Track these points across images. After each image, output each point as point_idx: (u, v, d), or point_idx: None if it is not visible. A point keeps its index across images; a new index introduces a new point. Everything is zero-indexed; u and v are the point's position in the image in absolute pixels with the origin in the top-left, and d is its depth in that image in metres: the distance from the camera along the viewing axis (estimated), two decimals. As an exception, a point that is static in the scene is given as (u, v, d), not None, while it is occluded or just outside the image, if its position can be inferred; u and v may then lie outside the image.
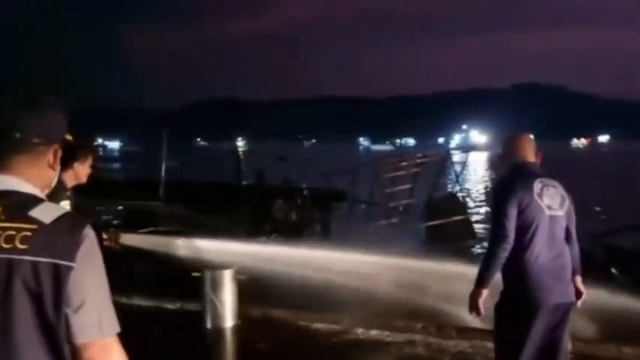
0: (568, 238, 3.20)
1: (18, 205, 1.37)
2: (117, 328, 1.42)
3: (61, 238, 1.35)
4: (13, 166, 1.42)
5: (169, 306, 6.16)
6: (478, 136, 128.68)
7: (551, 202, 3.13)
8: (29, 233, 1.32)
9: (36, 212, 1.36)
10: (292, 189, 15.42)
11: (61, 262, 1.33)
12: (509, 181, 3.21)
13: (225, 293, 5.53)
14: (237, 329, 5.54)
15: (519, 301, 3.10)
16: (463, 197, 16.72)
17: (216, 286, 5.51)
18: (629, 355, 4.73)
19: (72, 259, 1.34)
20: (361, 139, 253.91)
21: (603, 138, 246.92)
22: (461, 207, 14.49)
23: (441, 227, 10.98)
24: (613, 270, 7.08)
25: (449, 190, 16.80)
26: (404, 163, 15.01)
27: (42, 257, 1.31)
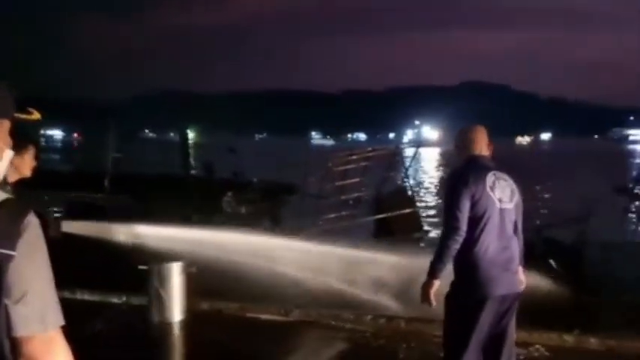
0: (515, 230, 3.28)
1: None
2: (61, 322, 1.36)
3: (1, 225, 1.28)
4: None
5: (115, 300, 6.02)
6: (430, 131, 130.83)
7: (502, 195, 3.19)
8: None
9: None
10: (242, 182, 15.31)
11: (1, 250, 1.26)
12: (463, 173, 3.25)
13: (173, 287, 5.44)
14: (185, 323, 5.47)
15: (468, 292, 3.17)
16: (412, 191, 16.96)
17: (164, 279, 5.41)
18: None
19: (13, 247, 1.28)
20: (313, 133, 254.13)
21: (545, 135, 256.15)
22: (409, 200, 14.77)
23: (389, 220, 11.18)
24: (551, 261, 7.41)
25: (398, 184, 17.04)
26: (354, 157, 15.15)
27: None
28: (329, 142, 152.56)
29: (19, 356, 1.31)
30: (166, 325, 5.39)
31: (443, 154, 64.79)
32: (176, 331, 5.38)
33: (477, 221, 3.13)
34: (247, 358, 4.82)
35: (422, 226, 12.55)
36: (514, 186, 3.29)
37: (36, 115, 1.56)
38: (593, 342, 4.87)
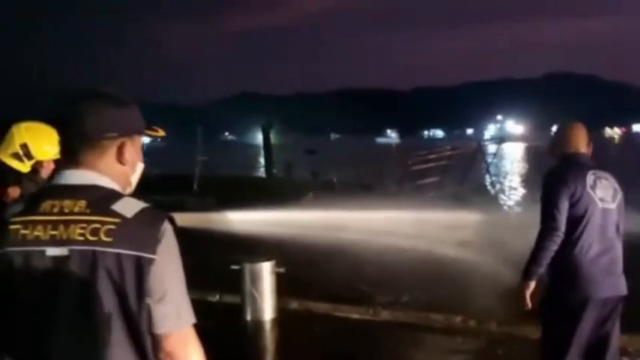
0: (617, 231, 3.14)
1: (100, 199, 1.42)
2: (193, 319, 1.48)
3: (143, 231, 1.40)
4: (87, 161, 1.46)
5: (210, 298, 6.29)
6: (514, 126, 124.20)
7: (604, 194, 3.08)
8: (113, 227, 1.38)
9: (118, 206, 1.41)
10: (322, 181, 15.55)
11: (144, 254, 1.39)
12: (561, 172, 3.14)
13: (264, 286, 5.62)
14: (276, 322, 5.63)
15: (567, 294, 3.06)
16: (494, 188, 16.58)
17: (255, 279, 5.60)
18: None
19: (153, 251, 1.40)
20: (388, 131, 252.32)
21: (638, 127, 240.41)
22: (490, 199, 14.44)
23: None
24: None
25: (480, 181, 16.69)
26: (433, 156, 15.00)
27: (125, 250, 1.37)
28: (394, 140, 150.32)
29: (159, 351, 1.44)
30: (259, 324, 5.57)
31: (528, 149, 62.31)
32: (268, 329, 5.55)
33: (576, 221, 3.02)
34: (332, 356, 4.88)
35: None
36: (616, 185, 3.16)
37: (161, 133, 1.69)
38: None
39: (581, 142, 3.22)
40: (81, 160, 1.47)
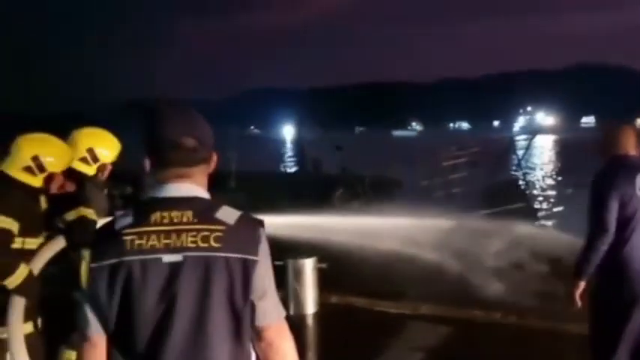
0: None
1: (204, 209, 1.60)
2: (284, 312, 1.69)
3: (245, 236, 1.59)
4: (187, 174, 1.63)
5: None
6: (544, 117, 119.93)
7: None
8: (220, 233, 1.56)
9: (220, 215, 1.59)
10: (352, 177, 15.65)
11: (249, 257, 1.57)
12: (611, 174, 3.20)
13: (307, 281, 5.81)
14: (318, 316, 5.81)
15: (616, 292, 3.14)
16: (525, 183, 16.45)
17: (298, 274, 5.79)
18: None
19: (256, 253, 1.59)
20: (413, 124, 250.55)
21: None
22: (520, 194, 14.34)
23: (499, 214, 11.02)
24: None
25: (509, 176, 16.59)
26: (462, 152, 14.98)
27: (233, 253, 1.55)
28: (412, 133, 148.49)
29: (260, 341, 1.64)
30: (301, 317, 5.75)
31: (558, 142, 61.19)
32: (310, 322, 5.73)
33: (626, 222, 3.10)
34: (375, 350, 4.97)
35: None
36: None
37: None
38: None
39: (630, 144, 3.26)
40: (181, 174, 1.63)
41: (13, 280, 2.98)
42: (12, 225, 3.01)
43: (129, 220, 1.58)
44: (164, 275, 1.53)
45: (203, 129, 1.66)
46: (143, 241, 1.54)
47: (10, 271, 2.97)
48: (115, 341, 1.57)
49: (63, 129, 3.71)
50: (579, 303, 3.24)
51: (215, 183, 1.77)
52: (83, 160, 3.66)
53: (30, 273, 3.07)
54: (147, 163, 1.65)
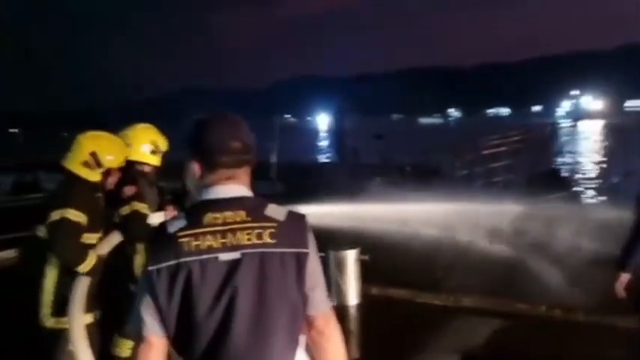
0: None
1: (254, 208, 1.68)
2: (331, 302, 1.78)
3: (296, 231, 1.68)
4: (235, 176, 1.72)
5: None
6: (591, 102, 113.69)
7: None
8: (273, 230, 1.64)
9: (269, 212, 1.68)
10: (392, 166, 15.60)
11: (301, 250, 1.66)
12: None
13: (349, 273, 5.86)
14: (361, 307, 5.87)
15: None
16: (569, 171, 16.09)
17: (340, 266, 5.85)
18: None
19: (307, 246, 1.68)
20: (452, 110, 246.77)
21: None
22: (563, 182, 14.03)
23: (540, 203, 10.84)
24: None
25: (552, 164, 16.25)
26: (503, 140, 14.73)
27: (287, 248, 1.64)
28: (437, 120, 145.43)
29: (311, 329, 1.73)
30: (344, 309, 5.79)
31: (606, 127, 59.16)
32: (353, 314, 5.78)
33: None
34: (415, 341, 4.96)
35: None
36: None
37: None
38: None
39: None
40: (229, 175, 1.71)
41: (85, 266, 3.17)
42: (83, 219, 3.18)
43: (182, 222, 1.65)
44: (223, 273, 1.60)
45: (247, 133, 1.75)
46: (200, 242, 1.61)
47: (84, 258, 3.17)
48: (175, 341, 1.64)
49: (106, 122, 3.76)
50: (624, 294, 3.23)
51: (255, 174, 1.85)
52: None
53: (98, 258, 3.27)
54: (196, 168, 1.73)
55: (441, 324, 5.32)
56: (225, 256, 1.61)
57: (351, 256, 5.88)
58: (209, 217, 1.64)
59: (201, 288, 1.59)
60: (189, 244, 1.61)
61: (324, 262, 5.79)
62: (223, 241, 1.61)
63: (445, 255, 7.40)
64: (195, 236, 1.61)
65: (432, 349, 4.76)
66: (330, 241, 6.32)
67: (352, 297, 5.90)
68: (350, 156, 18.45)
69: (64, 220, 3.12)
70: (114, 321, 3.67)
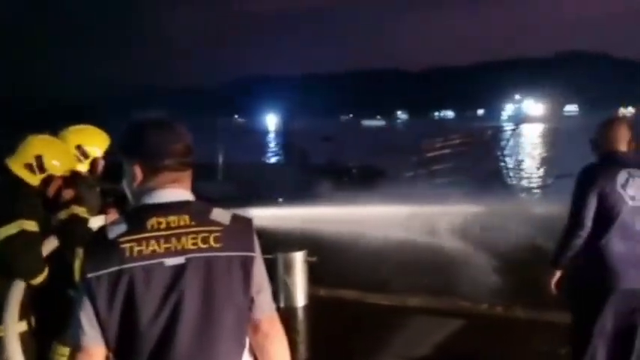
0: None
1: (199, 212, 1.65)
2: (275, 304, 1.78)
3: (241, 234, 1.66)
4: (181, 179, 1.70)
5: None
6: (533, 106, 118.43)
7: (636, 192, 3.19)
8: (219, 234, 1.62)
9: (214, 216, 1.65)
10: (339, 168, 15.73)
11: (248, 254, 1.65)
12: (593, 170, 3.28)
13: (297, 275, 5.87)
14: (308, 309, 5.88)
15: (592, 284, 3.24)
16: (508, 173, 16.60)
17: (288, 267, 5.85)
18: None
19: (253, 250, 1.66)
20: (399, 112, 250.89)
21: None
22: (504, 183, 14.51)
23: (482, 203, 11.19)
24: None
25: (493, 166, 16.72)
26: (447, 143, 15.12)
27: (234, 252, 1.62)
28: (380, 122, 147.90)
29: (256, 333, 1.72)
30: (292, 310, 5.81)
31: (545, 131, 61.53)
32: (301, 315, 5.79)
33: (605, 217, 3.18)
34: (363, 343, 5.03)
35: None
36: None
37: None
38: None
39: (619, 141, 3.31)
40: (173, 179, 1.68)
41: (39, 279, 3.07)
42: (36, 228, 3.07)
43: (123, 227, 1.59)
44: (168, 279, 1.56)
45: (188, 137, 1.73)
46: (143, 247, 1.56)
47: (43, 269, 3.08)
48: (116, 350, 1.58)
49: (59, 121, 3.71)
50: (555, 291, 3.37)
51: (202, 175, 1.83)
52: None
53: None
54: (137, 172, 1.68)
55: (388, 324, 5.38)
56: (170, 262, 1.57)
57: (298, 258, 5.90)
58: (152, 221, 1.60)
59: (144, 295, 1.55)
60: (132, 250, 1.56)
61: (273, 264, 5.79)
62: (167, 246, 1.58)
63: (393, 255, 7.54)
64: (138, 241, 1.57)
65: (380, 350, 4.80)
66: (279, 243, 6.32)
67: (300, 298, 5.91)
68: (298, 157, 18.51)
69: (23, 233, 2.99)
70: (52, 329, 3.54)
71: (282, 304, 5.86)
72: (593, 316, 3.24)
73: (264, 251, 1.74)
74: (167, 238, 1.58)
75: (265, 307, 1.71)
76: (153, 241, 1.57)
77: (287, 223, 7.97)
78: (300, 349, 5.14)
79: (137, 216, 1.63)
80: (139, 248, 1.56)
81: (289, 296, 5.86)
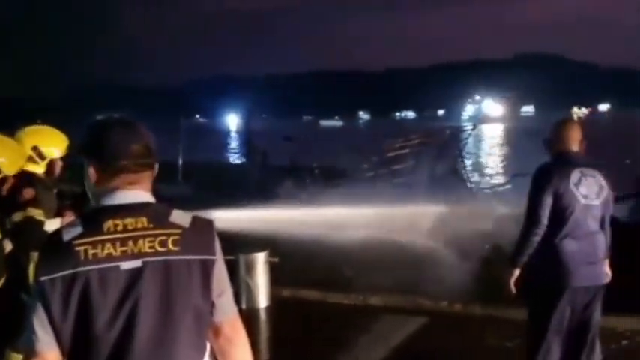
0: (602, 225, 3.41)
1: (157, 214, 1.63)
2: (236, 306, 1.77)
3: (201, 237, 1.64)
4: (140, 181, 1.67)
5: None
6: (492, 106, 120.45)
7: (588, 191, 3.31)
8: (177, 237, 1.59)
9: (173, 218, 1.63)
10: (301, 168, 15.71)
11: (208, 257, 1.63)
12: (548, 169, 3.38)
13: (258, 275, 5.85)
14: (271, 310, 5.87)
15: (547, 281, 3.35)
16: (465, 172, 16.93)
17: (250, 269, 5.82)
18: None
19: (213, 252, 1.65)
20: (361, 112, 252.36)
21: (603, 107, 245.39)
22: (462, 183, 14.79)
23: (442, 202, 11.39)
24: None
25: (451, 166, 17.00)
26: (406, 143, 15.31)
27: (193, 255, 1.60)
28: (337, 123, 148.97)
29: (218, 336, 1.71)
30: (254, 312, 5.78)
31: (504, 131, 63.01)
32: (263, 316, 5.78)
33: (559, 216, 3.28)
34: (326, 342, 5.06)
35: None
36: (603, 182, 3.38)
37: None
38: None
39: (571, 141, 3.42)
40: (131, 181, 1.65)
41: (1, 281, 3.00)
42: None
43: (78, 230, 1.57)
44: (124, 283, 1.53)
45: (148, 137, 1.70)
46: (98, 250, 1.53)
47: (4, 272, 3.03)
48: (71, 355, 1.55)
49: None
50: (513, 289, 3.44)
51: (162, 176, 1.80)
52: (30, 159, 3.59)
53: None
54: (93, 173, 1.66)
55: (350, 324, 5.42)
56: (126, 265, 1.54)
57: (260, 259, 5.88)
58: (109, 224, 1.57)
59: (100, 299, 1.52)
60: (87, 253, 1.53)
61: (234, 266, 5.76)
62: (124, 249, 1.55)
63: (355, 255, 7.60)
64: (94, 244, 1.54)
65: (342, 349, 4.84)
66: (241, 244, 6.28)
67: (262, 299, 5.90)
68: (259, 158, 18.42)
69: None
70: (5, 334, 3.44)
71: (243, 306, 5.83)
72: (547, 312, 3.34)
73: (225, 252, 1.72)
74: (124, 241, 1.56)
75: (227, 310, 1.70)
76: (109, 244, 1.55)
77: (249, 224, 7.93)
78: (262, 351, 5.14)
79: (94, 218, 1.60)
80: (94, 251, 1.53)
81: (251, 297, 5.84)
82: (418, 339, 5.08)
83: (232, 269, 5.77)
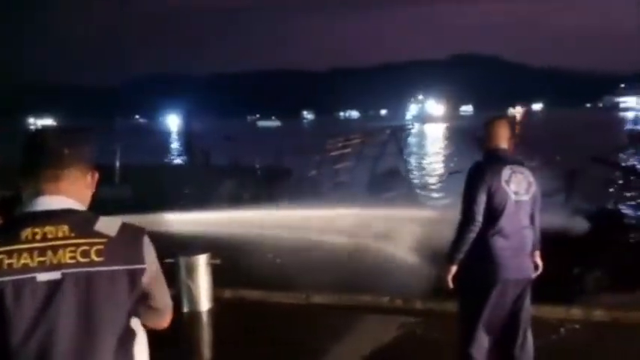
0: (532, 220, 3.52)
1: (81, 222, 1.54)
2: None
3: (129, 246, 1.57)
4: (62, 188, 1.59)
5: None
6: (434, 106, 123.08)
7: (518, 188, 3.41)
8: (101, 246, 1.51)
9: (99, 227, 1.54)
10: (243, 169, 15.59)
11: (136, 266, 1.55)
12: (481, 167, 3.46)
13: (200, 278, 5.74)
14: (213, 312, 5.77)
15: (479, 275, 3.44)
16: (406, 171, 17.27)
17: (191, 271, 5.71)
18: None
19: (142, 262, 1.57)
20: (305, 112, 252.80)
21: (537, 106, 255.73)
22: (402, 181, 15.11)
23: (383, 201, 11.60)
24: None
25: (392, 164, 17.29)
26: (348, 142, 15.48)
27: (118, 266, 1.52)
28: (275, 123, 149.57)
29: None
30: (195, 315, 5.68)
31: (445, 130, 64.78)
32: (205, 319, 5.68)
33: (492, 212, 3.38)
34: (270, 342, 5.03)
35: None
36: (531, 178, 3.50)
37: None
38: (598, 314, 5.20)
39: (501, 138, 3.53)
40: (56, 188, 1.58)
41: None
42: None
43: None
44: (41, 296, 1.45)
45: (78, 140, 1.64)
46: (14, 260, 1.45)
47: None
48: None
49: None
50: (451, 285, 3.51)
51: (98, 179, 1.74)
52: None
53: None
54: (21, 179, 1.60)
55: (293, 322, 5.41)
56: (43, 277, 1.45)
57: (201, 261, 5.78)
58: (27, 232, 1.48)
59: (15, 312, 1.43)
60: (2, 263, 1.44)
61: (174, 269, 5.64)
62: (41, 259, 1.46)
63: (297, 255, 7.61)
64: (9, 254, 1.45)
65: (286, 349, 4.82)
66: (181, 246, 6.16)
67: (204, 302, 5.79)
68: (201, 158, 18.14)
69: None
70: None
71: (185, 309, 5.72)
72: (479, 307, 3.43)
73: (165, 255, 1.68)
74: (42, 251, 1.47)
75: (162, 313, 1.72)
76: (25, 254, 1.46)
77: (190, 226, 7.80)
78: (205, 353, 5.06)
79: (12, 226, 1.51)
80: (9, 261, 1.45)
81: (192, 300, 5.73)
82: (362, 335, 5.11)
83: (172, 273, 5.67)
